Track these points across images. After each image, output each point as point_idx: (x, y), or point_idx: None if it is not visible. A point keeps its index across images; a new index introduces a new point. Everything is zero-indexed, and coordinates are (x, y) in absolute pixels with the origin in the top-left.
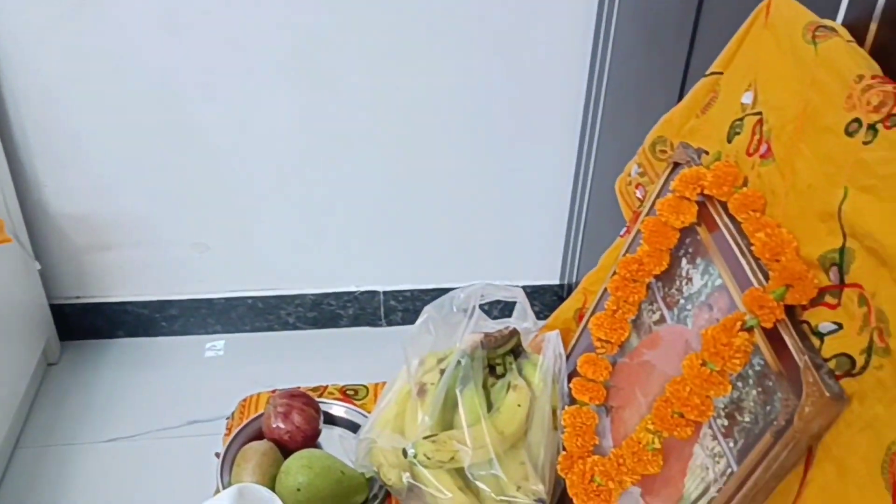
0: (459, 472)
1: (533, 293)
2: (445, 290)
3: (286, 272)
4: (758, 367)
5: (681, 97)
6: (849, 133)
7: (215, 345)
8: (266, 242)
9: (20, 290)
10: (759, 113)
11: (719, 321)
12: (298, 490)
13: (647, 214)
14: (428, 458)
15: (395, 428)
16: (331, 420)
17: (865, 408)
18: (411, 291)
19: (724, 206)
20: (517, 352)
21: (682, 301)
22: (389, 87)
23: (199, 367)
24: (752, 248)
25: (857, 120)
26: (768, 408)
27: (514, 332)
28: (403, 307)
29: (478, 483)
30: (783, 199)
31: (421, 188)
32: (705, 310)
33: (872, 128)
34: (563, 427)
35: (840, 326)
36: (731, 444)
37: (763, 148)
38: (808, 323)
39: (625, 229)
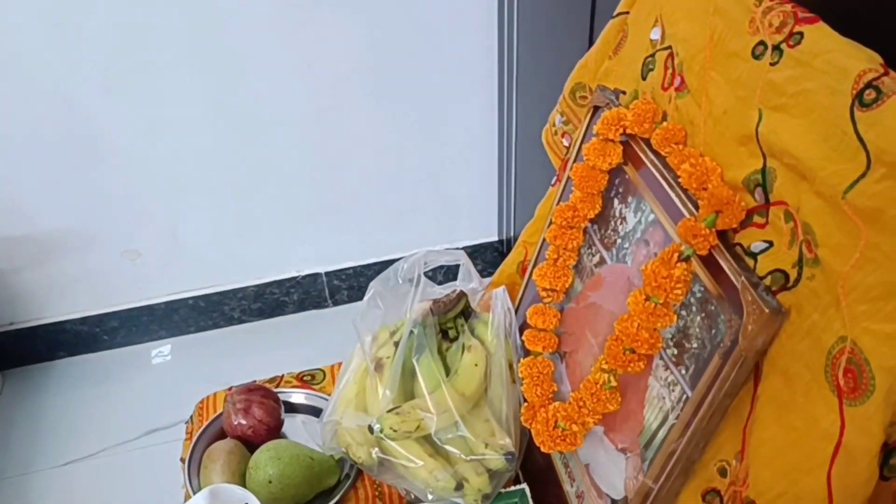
0: (427, 440)
1: (474, 252)
2: (387, 263)
3: (223, 267)
4: (699, 294)
5: (591, 41)
6: (756, 56)
7: (162, 350)
8: (197, 240)
9: None
10: (669, 47)
11: (657, 255)
12: (270, 482)
13: (575, 161)
14: (394, 431)
15: (357, 406)
16: (292, 408)
17: (803, 318)
18: (353, 268)
19: (647, 142)
20: (467, 313)
21: (619, 240)
22: (298, 62)
23: (149, 376)
24: (679, 179)
25: (761, 42)
26: (713, 331)
27: (462, 295)
28: (348, 285)
29: (446, 447)
30: (702, 128)
31: (345, 163)
32: (642, 246)
33: (777, 48)
34: (521, 379)
35: (771, 244)
36: (684, 372)
37: (677, 81)
38: (740, 245)
39: (555, 178)
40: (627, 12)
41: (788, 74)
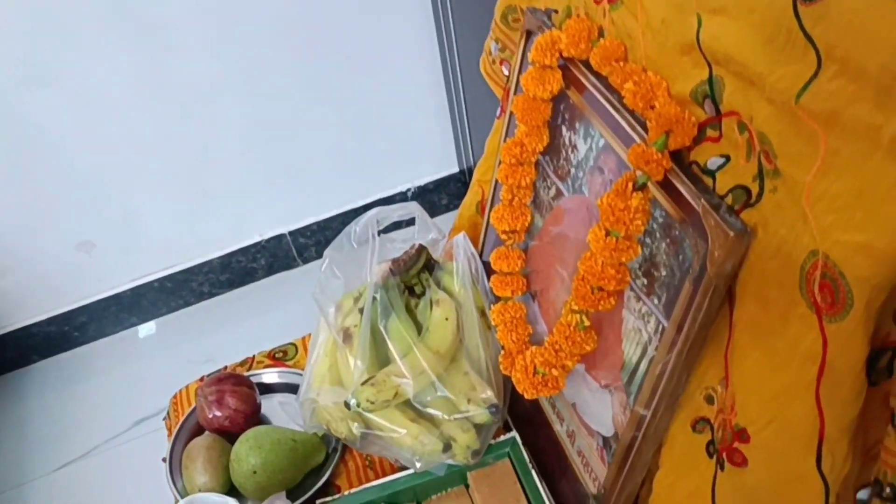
0: (408, 405)
1: (437, 188)
2: (351, 213)
3: (184, 244)
4: (661, 220)
5: None
6: None
7: (141, 331)
8: (153, 220)
9: None
10: None
11: (612, 182)
12: (255, 473)
13: (515, 92)
14: (371, 403)
15: (332, 381)
16: (267, 389)
17: (770, 234)
18: (317, 223)
19: (586, 63)
20: (430, 266)
21: (572, 170)
22: (227, 22)
23: (129, 365)
24: (625, 101)
25: None
26: (681, 257)
27: (422, 249)
28: (314, 241)
29: (428, 410)
30: (641, 41)
31: (291, 121)
32: (597, 173)
33: None
34: (495, 327)
35: (727, 158)
36: (656, 301)
37: None
38: (696, 163)
39: (499, 109)
40: None
41: None
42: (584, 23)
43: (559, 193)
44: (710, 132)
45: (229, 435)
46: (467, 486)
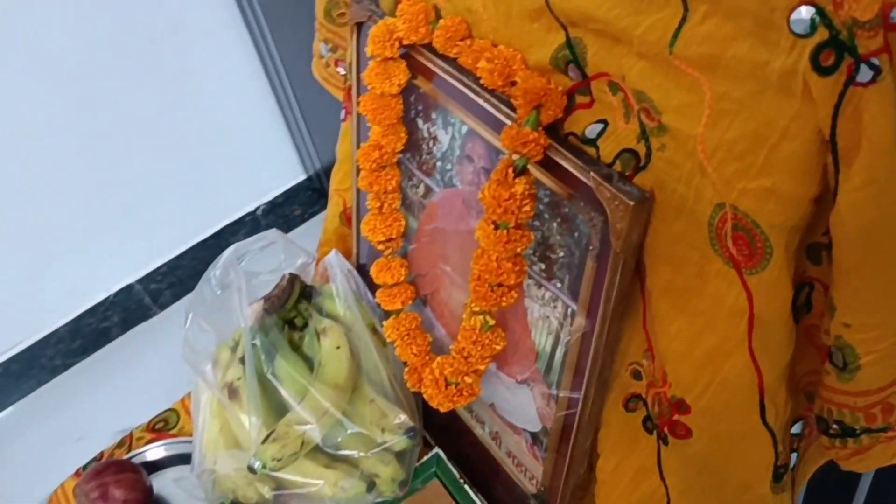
0: (318, 451)
1: (287, 200)
2: (201, 245)
3: (22, 318)
4: (546, 200)
5: None
6: None
7: None
8: None
9: None
10: None
11: (485, 170)
12: None
13: (359, 93)
14: (278, 461)
15: (227, 444)
16: (156, 467)
17: (668, 194)
18: (166, 264)
19: (429, 48)
20: (307, 294)
21: (438, 163)
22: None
23: None
24: (481, 80)
25: None
26: (576, 234)
27: (293, 278)
28: (168, 283)
29: (342, 452)
30: (483, 14)
31: (121, 157)
32: (466, 162)
33: None
34: (392, 344)
35: (605, 123)
36: (559, 285)
37: None
38: (573, 134)
39: (343, 112)
40: None
41: None
42: (418, 5)
43: (429, 190)
44: (579, 99)
45: None
46: None
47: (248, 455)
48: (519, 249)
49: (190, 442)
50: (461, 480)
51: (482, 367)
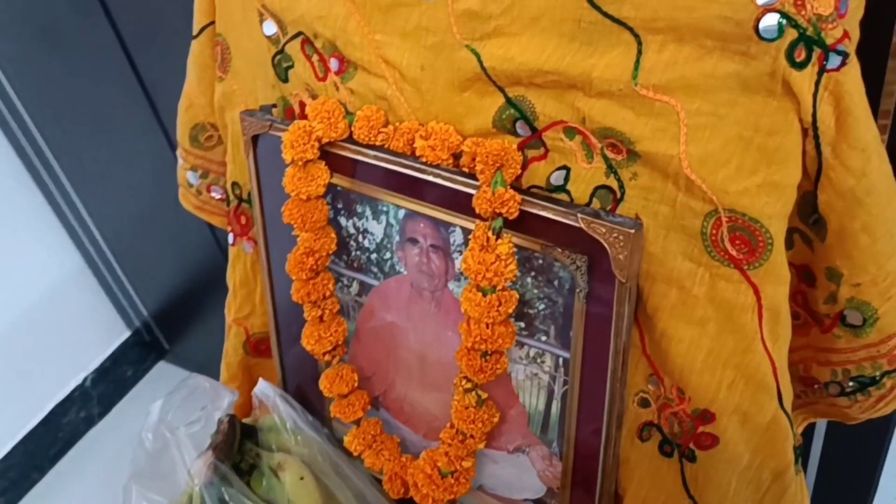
0: None
1: (116, 362)
2: (30, 437)
3: None
4: (517, 257)
5: (151, 103)
6: None
7: None
8: None
9: None
10: (299, 33)
11: (435, 247)
12: None
13: (263, 208)
14: None
15: None
16: None
17: (651, 218)
18: None
19: (350, 141)
20: (248, 432)
21: (374, 255)
22: None
23: None
24: (422, 158)
25: None
26: (555, 282)
27: (233, 419)
28: (1, 487)
29: None
30: (400, 97)
31: None
32: (409, 246)
33: None
34: (359, 455)
35: (567, 168)
36: (544, 338)
37: (334, 64)
38: (537, 187)
39: (231, 237)
40: (212, 22)
41: None
42: (329, 102)
43: (363, 287)
44: (531, 153)
45: None
46: None
47: None
48: (510, 310)
49: None
50: None
51: (481, 446)
